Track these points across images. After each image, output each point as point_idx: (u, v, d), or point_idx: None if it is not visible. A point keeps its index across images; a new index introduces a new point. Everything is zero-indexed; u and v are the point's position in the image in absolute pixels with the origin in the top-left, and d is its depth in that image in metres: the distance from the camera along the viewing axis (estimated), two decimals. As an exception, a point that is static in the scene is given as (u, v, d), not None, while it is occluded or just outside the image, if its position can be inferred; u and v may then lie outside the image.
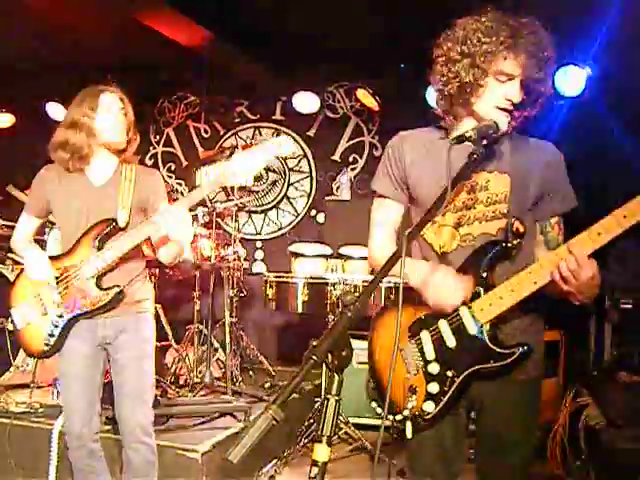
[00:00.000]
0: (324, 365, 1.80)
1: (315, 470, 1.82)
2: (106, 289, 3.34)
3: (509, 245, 2.40)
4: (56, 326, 3.38)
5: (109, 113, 3.40)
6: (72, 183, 3.44)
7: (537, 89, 2.44)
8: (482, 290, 2.38)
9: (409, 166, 2.60)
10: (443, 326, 2.44)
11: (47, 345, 3.41)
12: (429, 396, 2.42)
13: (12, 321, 3.53)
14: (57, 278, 3.38)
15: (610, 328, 5.47)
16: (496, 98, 2.44)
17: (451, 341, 2.42)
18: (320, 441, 1.83)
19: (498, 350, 2.35)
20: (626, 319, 5.35)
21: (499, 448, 2.52)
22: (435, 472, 2.55)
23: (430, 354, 2.45)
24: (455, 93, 2.51)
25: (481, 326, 2.37)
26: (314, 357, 1.73)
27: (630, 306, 5.29)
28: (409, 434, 2.42)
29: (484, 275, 2.39)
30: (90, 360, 3.42)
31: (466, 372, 2.38)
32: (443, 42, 2.56)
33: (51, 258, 3.44)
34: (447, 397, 2.40)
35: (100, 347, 3.44)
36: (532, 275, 2.28)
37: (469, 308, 2.40)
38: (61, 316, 3.38)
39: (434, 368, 2.43)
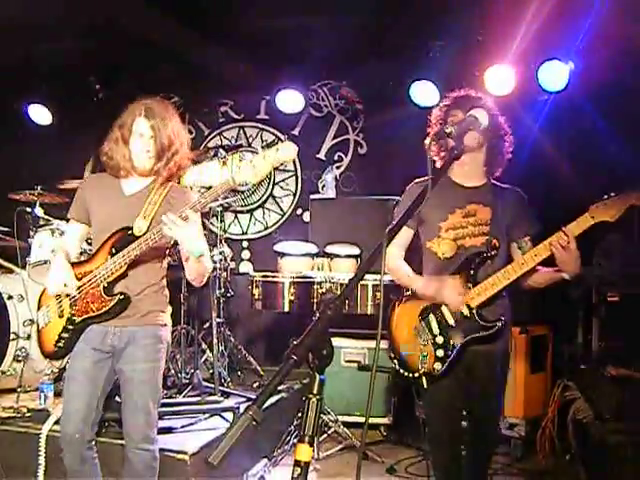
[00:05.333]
0: (306, 364, 1.83)
1: (298, 470, 1.82)
2: (112, 295, 3.38)
3: (489, 254, 3.43)
4: (67, 329, 3.46)
5: (139, 140, 3.44)
6: (107, 190, 3.54)
7: None
8: (471, 285, 3.40)
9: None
10: (445, 310, 3.44)
11: (56, 346, 3.51)
12: (437, 359, 3.39)
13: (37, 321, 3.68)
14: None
15: (598, 322, 5.48)
16: None
17: (451, 320, 3.42)
18: (302, 441, 1.85)
19: (484, 324, 3.36)
20: (613, 313, 5.36)
21: (483, 395, 3.51)
22: (447, 406, 3.49)
23: (436, 330, 3.44)
24: None
25: (472, 309, 3.38)
26: (292, 357, 1.79)
27: (617, 299, 5.30)
28: (425, 385, 3.40)
29: (472, 274, 3.42)
30: (95, 365, 3.44)
31: (463, 340, 3.37)
32: None
33: (76, 264, 3.51)
34: (450, 359, 3.37)
35: (108, 355, 3.45)
36: (505, 273, 3.33)
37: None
38: (72, 319, 3.45)
39: (440, 339, 3.41)
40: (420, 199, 2.57)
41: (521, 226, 3.52)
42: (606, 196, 3.15)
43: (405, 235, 3.64)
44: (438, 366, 3.38)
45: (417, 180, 3.63)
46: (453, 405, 3.50)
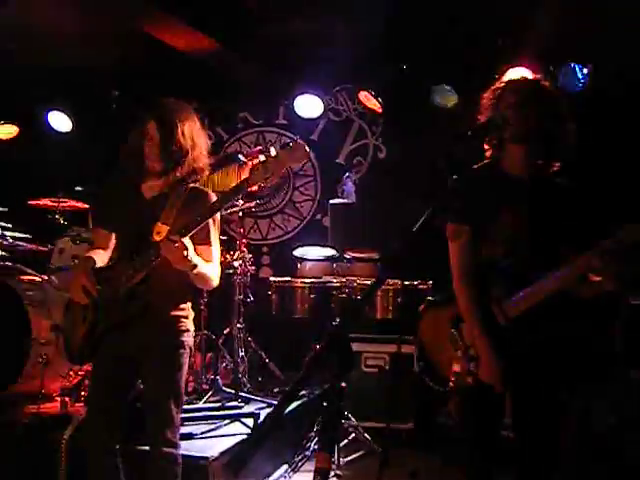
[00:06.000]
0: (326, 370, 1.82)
1: (318, 478, 1.81)
2: (132, 301, 3.37)
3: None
4: (89, 334, 3.46)
5: (150, 143, 3.43)
6: (128, 194, 3.54)
7: None
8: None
9: None
10: None
11: (80, 351, 3.52)
12: (469, 373, 2.99)
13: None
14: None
15: (620, 325, 5.42)
16: None
17: None
18: (322, 449, 1.83)
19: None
20: (636, 316, 5.29)
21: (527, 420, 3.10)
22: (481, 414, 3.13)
23: (469, 340, 3.07)
24: None
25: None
26: (313, 363, 1.77)
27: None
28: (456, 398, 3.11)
29: None
30: (116, 371, 3.45)
31: None
32: None
33: (100, 269, 3.48)
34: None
35: (130, 360, 3.44)
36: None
37: None
38: (94, 325, 3.44)
39: (473, 351, 3.03)
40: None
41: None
42: None
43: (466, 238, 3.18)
44: (469, 379, 3.02)
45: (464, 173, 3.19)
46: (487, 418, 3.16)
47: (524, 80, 3.24)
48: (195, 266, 3.25)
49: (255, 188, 3.30)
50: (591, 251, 2.79)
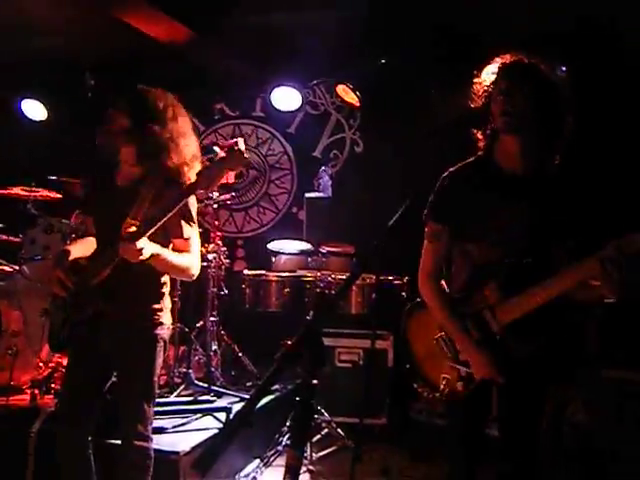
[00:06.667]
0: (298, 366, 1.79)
1: (288, 474, 1.79)
2: (105, 292, 3.32)
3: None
4: (64, 324, 3.44)
5: (121, 128, 3.37)
6: (104, 183, 3.50)
7: None
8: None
9: None
10: (468, 324, 2.90)
11: (55, 340, 3.51)
12: (460, 379, 2.90)
13: None
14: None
15: (594, 324, 5.43)
16: None
17: (476, 335, 2.88)
18: (293, 446, 1.82)
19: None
20: (610, 315, 5.31)
21: (515, 417, 2.94)
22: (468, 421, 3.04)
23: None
24: None
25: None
26: (284, 359, 1.73)
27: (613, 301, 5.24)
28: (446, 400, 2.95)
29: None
30: (89, 363, 3.41)
31: None
32: None
33: (78, 260, 3.44)
34: (474, 380, 2.86)
35: (103, 353, 3.40)
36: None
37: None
38: (69, 315, 3.42)
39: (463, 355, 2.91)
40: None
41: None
42: None
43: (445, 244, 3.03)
44: (459, 386, 2.91)
45: (452, 169, 3.02)
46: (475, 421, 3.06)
47: (518, 62, 2.87)
48: (166, 260, 3.25)
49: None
50: (592, 258, 2.60)
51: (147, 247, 3.13)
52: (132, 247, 3.08)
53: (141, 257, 3.11)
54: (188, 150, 3.45)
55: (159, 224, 3.18)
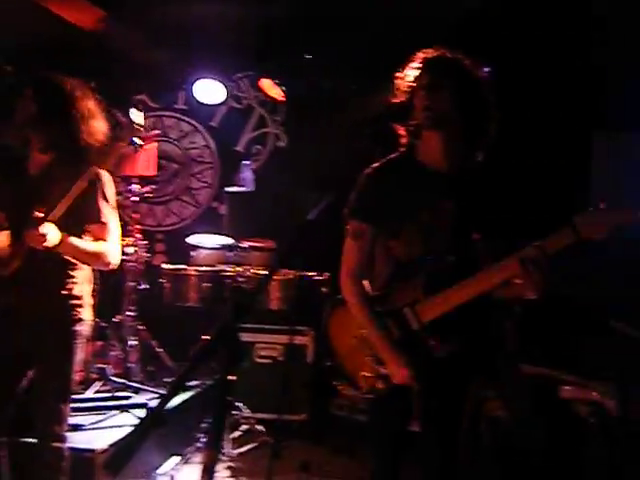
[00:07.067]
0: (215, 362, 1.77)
1: (204, 473, 1.76)
2: (13, 288, 3.24)
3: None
4: None
5: (29, 113, 3.31)
6: (13, 170, 3.40)
7: None
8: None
9: None
10: (388, 322, 2.82)
11: None
12: (380, 376, 2.81)
13: None
14: None
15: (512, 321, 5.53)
16: None
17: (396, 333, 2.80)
18: (208, 444, 1.80)
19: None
20: (527, 311, 5.41)
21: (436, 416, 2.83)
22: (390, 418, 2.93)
23: None
24: None
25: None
26: (200, 355, 1.71)
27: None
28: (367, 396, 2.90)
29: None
30: (3, 359, 3.30)
31: None
32: None
33: None
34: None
35: (19, 349, 3.30)
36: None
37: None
38: None
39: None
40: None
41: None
42: (592, 208, 2.48)
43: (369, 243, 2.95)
44: (379, 384, 2.83)
45: (374, 166, 2.93)
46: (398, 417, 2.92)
47: (440, 57, 2.84)
48: (74, 246, 3.19)
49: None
50: (512, 257, 2.56)
51: (51, 232, 3.06)
52: (35, 233, 3.01)
53: (45, 243, 3.03)
54: (98, 130, 3.41)
55: (64, 207, 3.11)
